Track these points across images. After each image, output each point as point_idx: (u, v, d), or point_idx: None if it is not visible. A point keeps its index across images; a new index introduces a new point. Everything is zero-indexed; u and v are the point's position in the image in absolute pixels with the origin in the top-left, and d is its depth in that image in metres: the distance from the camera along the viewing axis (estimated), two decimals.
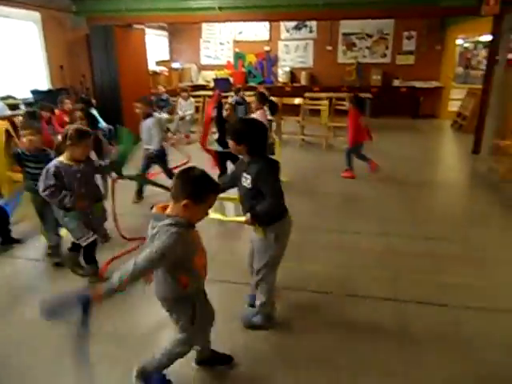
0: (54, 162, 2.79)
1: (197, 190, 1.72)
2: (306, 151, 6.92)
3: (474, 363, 2.19)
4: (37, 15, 6.35)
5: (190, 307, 1.90)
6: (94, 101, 6.76)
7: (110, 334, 2.44)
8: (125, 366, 2.17)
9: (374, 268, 3.18)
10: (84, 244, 2.92)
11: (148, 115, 4.67)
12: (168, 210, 1.76)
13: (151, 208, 1.81)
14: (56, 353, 2.29)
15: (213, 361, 2.19)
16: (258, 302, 2.48)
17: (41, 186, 2.76)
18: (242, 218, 2.29)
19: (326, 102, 7.57)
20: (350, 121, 5.21)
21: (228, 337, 2.39)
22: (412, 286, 2.91)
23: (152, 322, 2.58)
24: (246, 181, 2.26)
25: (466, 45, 9.88)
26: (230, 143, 2.31)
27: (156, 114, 5.06)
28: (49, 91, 6.32)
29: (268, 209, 2.21)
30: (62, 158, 2.81)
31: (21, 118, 5.36)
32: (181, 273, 1.81)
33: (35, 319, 2.53)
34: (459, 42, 9.71)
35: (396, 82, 10.00)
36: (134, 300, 2.79)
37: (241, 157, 2.43)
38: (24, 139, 3.12)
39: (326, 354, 2.27)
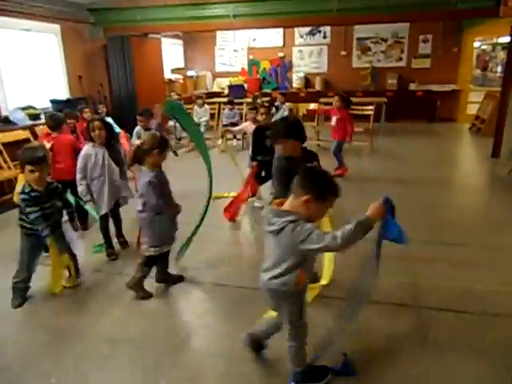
0: (151, 174, 2.65)
1: (320, 187, 1.76)
2: (322, 156, 6.87)
3: (500, 370, 2.13)
4: (57, 27, 6.52)
5: (301, 302, 1.94)
6: (104, 109, 6.82)
7: (127, 340, 2.47)
8: (144, 370, 2.19)
9: (389, 274, 3.14)
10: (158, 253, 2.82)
11: (148, 128, 4.81)
12: (286, 206, 1.80)
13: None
14: (79, 357, 2.32)
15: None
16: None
17: (155, 201, 2.64)
18: None
19: None
20: (341, 118, 5.44)
21: None
22: (430, 292, 2.87)
23: (168, 327, 2.60)
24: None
25: (484, 47, 9.74)
26: (287, 142, 2.46)
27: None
28: (67, 100, 6.47)
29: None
30: (149, 168, 2.68)
31: (41, 126, 5.50)
32: (302, 268, 1.83)
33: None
34: (476, 44, 9.58)
35: (412, 86, 9.91)
36: (150, 304, 2.82)
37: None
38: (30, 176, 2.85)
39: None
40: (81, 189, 3.40)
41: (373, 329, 2.50)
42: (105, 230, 3.53)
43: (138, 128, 4.96)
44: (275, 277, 1.85)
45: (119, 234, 3.71)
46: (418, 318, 2.60)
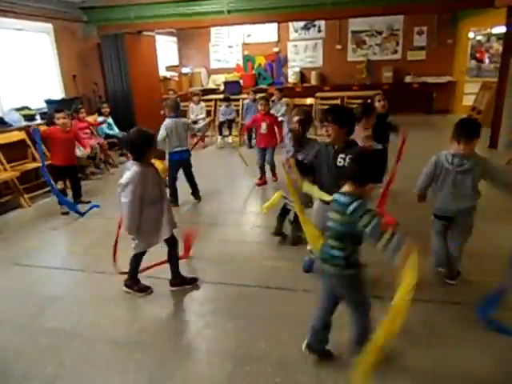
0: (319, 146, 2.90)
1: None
2: None
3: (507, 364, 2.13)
4: (49, 26, 6.44)
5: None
6: (108, 109, 6.80)
7: (131, 342, 2.45)
8: (150, 372, 2.18)
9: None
10: None
11: (175, 117, 4.67)
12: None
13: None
14: (83, 361, 2.30)
15: None
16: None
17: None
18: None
19: (337, 102, 7.52)
20: (270, 124, 5.15)
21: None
22: (433, 285, 2.86)
23: (172, 327, 2.58)
24: (343, 161, 2.52)
25: (479, 37, 9.72)
26: (333, 128, 2.55)
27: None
28: (62, 100, 6.39)
29: None
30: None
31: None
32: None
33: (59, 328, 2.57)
34: (471, 35, 9.56)
35: (408, 79, 9.88)
36: (153, 305, 2.80)
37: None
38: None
39: (351, 357, 2.24)
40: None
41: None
42: None
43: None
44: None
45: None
46: (423, 310, 2.59)
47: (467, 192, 2.62)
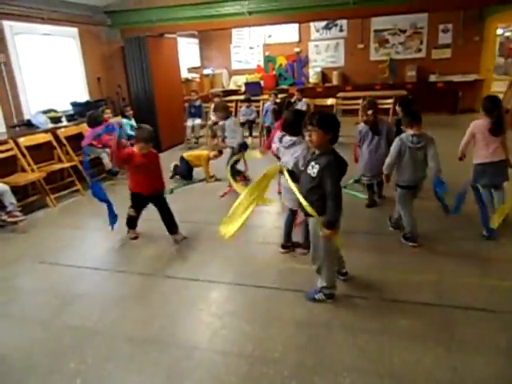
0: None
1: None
2: (342, 151, 6.78)
3: None
4: (75, 31, 6.61)
5: None
6: (131, 111, 6.92)
7: (149, 340, 2.49)
8: (168, 371, 2.21)
9: (415, 272, 3.08)
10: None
11: (227, 117, 5.26)
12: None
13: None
14: (103, 358, 2.35)
15: None
16: (319, 284, 2.70)
17: None
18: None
19: (361, 101, 7.42)
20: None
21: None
22: (456, 291, 2.79)
23: (189, 327, 2.61)
24: (313, 169, 2.51)
25: (508, 34, 9.42)
26: (316, 133, 2.48)
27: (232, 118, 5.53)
28: (87, 103, 6.56)
29: (333, 208, 2.45)
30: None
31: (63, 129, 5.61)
32: None
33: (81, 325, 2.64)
34: (499, 31, 9.27)
35: (432, 78, 9.67)
36: (170, 305, 2.84)
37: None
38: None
39: (369, 362, 2.21)
40: None
41: (397, 329, 2.45)
42: None
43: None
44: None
45: None
46: (444, 317, 2.53)
47: (423, 164, 3.33)
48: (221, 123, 5.40)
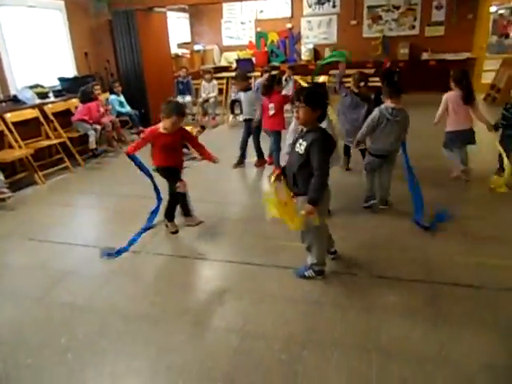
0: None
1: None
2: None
3: None
4: (61, 3, 6.39)
5: None
6: (120, 87, 6.82)
7: (142, 316, 2.51)
8: (158, 345, 2.24)
9: (403, 249, 3.12)
10: None
11: (248, 88, 5.19)
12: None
13: None
14: (95, 333, 2.37)
15: None
16: (309, 261, 2.75)
17: None
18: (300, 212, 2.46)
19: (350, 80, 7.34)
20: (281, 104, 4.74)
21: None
22: (444, 267, 2.85)
23: (182, 304, 2.63)
24: (300, 147, 2.46)
25: (501, 11, 9.35)
26: (304, 109, 2.41)
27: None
28: (75, 78, 6.40)
29: (318, 186, 2.40)
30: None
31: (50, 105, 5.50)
32: None
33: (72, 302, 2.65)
34: (493, 9, 9.18)
35: (425, 55, 9.59)
36: (163, 282, 2.86)
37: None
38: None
39: (357, 338, 2.26)
40: None
41: (386, 304, 2.50)
42: None
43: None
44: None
45: None
46: (432, 293, 2.59)
47: (397, 136, 3.47)
48: (238, 95, 5.35)
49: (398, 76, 4.35)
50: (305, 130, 2.51)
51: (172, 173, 3.44)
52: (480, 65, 9.41)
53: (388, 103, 3.43)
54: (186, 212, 3.69)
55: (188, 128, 4.84)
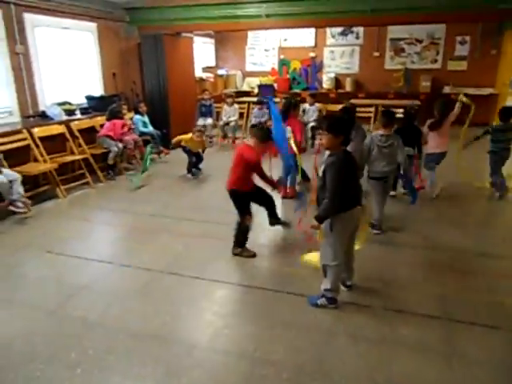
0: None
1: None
2: None
3: None
4: (93, 25, 6.69)
5: None
6: (145, 108, 7.01)
7: (151, 336, 2.51)
8: (167, 367, 2.22)
9: (419, 284, 3.06)
10: None
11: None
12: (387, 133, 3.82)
13: None
14: (105, 350, 2.37)
15: None
16: (322, 287, 2.72)
17: None
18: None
19: (372, 109, 7.41)
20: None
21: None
22: (462, 305, 2.77)
23: (192, 326, 2.62)
24: (320, 169, 2.62)
25: None
26: (327, 137, 2.53)
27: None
28: (102, 97, 6.62)
29: (325, 205, 2.51)
30: None
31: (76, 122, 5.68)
32: None
33: (84, 316, 2.66)
34: None
35: (446, 89, 9.60)
36: (173, 302, 2.85)
37: None
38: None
39: (368, 371, 2.20)
40: None
41: (400, 339, 2.44)
42: None
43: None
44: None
45: None
46: (447, 331, 2.52)
47: (391, 159, 3.78)
48: None
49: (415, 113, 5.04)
50: (328, 153, 2.63)
51: (248, 200, 3.43)
52: (503, 101, 9.34)
53: (379, 131, 3.85)
54: (274, 219, 3.77)
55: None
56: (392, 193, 4.67)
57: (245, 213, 3.39)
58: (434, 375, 2.15)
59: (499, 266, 3.31)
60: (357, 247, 2.95)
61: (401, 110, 7.18)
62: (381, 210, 3.91)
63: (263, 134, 3.38)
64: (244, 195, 3.39)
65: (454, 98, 6.03)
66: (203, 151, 6.03)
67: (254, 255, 3.48)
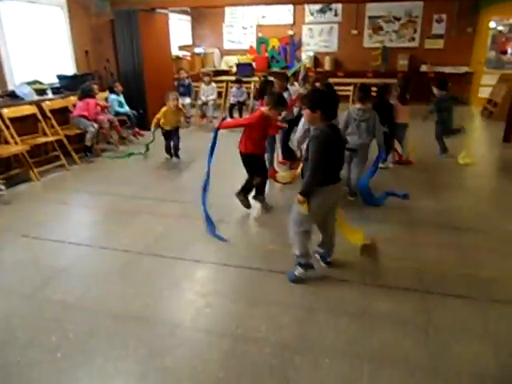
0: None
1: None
2: None
3: (505, 356, 2.14)
4: (62, 0, 6.39)
5: None
6: (120, 87, 6.83)
7: (132, 317, 2.50)
8: (150, 347, 2.22)
9: (396, 258, 3.13)
10: None
11: (286, 88, 5.25)
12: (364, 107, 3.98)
13: None
14: (86, 333, 2.35)
15: None
16: (294, 253, 2.79)
17: None
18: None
19: (350, 88, 7.41)
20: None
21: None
22: (436, 278, 2.86)
23: (173, 306, 2.62)
24: (306, 143, 2.69)
25: (500, 28, 9.45)
26: (305, 112, 2.63)
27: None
28: (74, 76, 6.38)
29: (308, 179, 2.56)
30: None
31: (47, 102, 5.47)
32: None
33: (63, 300, 2.62)
34: (492, 24, 9.29)
35: (424, 68, 9.68)
36: (155, 283, 2.84)
37: None
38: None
39: (349, 344, 2.26)
40: None
41: (378, 312, 2.50)
42: None
43: None
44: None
45: None
46: (424, 304, 2.59)
47: (364, 132, 3.97)
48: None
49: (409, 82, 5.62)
50: (313, 128, 2.70)
51: (259, 162, 3.93)
52: (478, 79, 9.50)
53: (357, 105, 4.04)
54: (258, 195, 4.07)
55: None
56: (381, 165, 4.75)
57: (254, 174, 3.91)
58: (412, 345, 2.22)
59: (472, 239, 3.41)
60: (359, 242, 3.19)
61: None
62: (350, 176, 4.15)
63: (276, 99, 3.71)
64: (252, 156, 3.82)
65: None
66: (186, 120, 5.95)
67: (247, 206, 3.97)
